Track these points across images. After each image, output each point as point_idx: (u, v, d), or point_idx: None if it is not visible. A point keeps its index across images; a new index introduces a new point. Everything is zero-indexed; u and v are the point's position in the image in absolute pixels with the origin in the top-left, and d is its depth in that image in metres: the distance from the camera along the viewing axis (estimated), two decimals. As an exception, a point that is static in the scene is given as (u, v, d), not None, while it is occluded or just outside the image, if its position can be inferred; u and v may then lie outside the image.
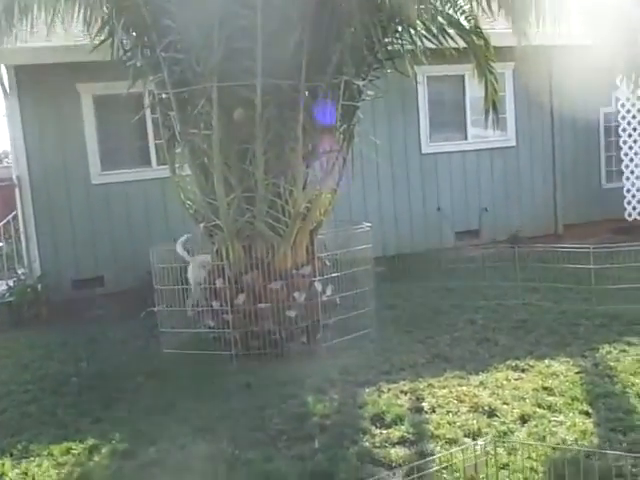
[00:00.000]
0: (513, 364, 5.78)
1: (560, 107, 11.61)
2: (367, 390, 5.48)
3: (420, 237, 10.95)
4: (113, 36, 6.71)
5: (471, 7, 6.97)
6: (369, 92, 7.03)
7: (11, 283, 9.81)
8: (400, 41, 6.95)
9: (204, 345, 6.76)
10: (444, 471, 3.95)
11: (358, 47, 6.25)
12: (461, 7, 7.16)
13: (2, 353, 7.57)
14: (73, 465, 4.62)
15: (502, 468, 3.94)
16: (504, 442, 4.21)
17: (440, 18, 6.76)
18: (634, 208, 11.28)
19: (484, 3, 6.47)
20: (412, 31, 6.73)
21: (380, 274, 7.97)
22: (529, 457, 4.02)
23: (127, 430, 5.07)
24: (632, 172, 11.17)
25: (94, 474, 4.46)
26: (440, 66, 8.30)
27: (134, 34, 6.41)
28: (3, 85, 8.89)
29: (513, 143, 11.54)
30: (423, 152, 11.09)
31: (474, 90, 10.83)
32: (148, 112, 9.80)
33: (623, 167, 11.20)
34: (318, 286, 6.66)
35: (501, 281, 8.75)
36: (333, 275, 6.80)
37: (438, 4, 6.73)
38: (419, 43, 7.03)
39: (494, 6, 6.25)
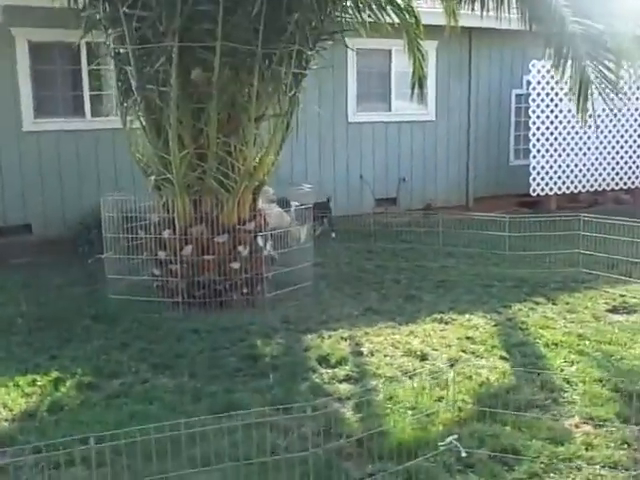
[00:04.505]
0: (438, 317, 6.47)
1: (477, 87, 12.46)
2: (309, 336, 6.03)
3: (343, 202, 11.52)
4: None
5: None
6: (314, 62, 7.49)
7: None
8: (346, 15, 7.44)
9: (148, 293, 7.10)
10: (389, 402, 4.57)
11: (311, 19, 6.66)
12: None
13: None
14: (41, 395, 4.91)
15: (437, 400, 4.58)
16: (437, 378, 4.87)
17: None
18: (538, 184, 12.29)
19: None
20: (360, 5, 7.20)
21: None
22: (459, 392, 4.68)
23: (87, 366, 5.40)
24: (538, 151, 12.13)
25: (63, 403, 4.77)
26: (369, 40, 8.72)
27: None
28: None
29: (432, 118, 12.25)
30: (350, 121, 11.63)
31: (399, 65, 11.50)
32: (84, 63, 9.88)
33: (530, 146, 12.12)
34: (260, 241, 7.11)
35: (419, 245, 9.50)
36: (274, 232, 7.28)
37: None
38: (359, 18, 7.58)
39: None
